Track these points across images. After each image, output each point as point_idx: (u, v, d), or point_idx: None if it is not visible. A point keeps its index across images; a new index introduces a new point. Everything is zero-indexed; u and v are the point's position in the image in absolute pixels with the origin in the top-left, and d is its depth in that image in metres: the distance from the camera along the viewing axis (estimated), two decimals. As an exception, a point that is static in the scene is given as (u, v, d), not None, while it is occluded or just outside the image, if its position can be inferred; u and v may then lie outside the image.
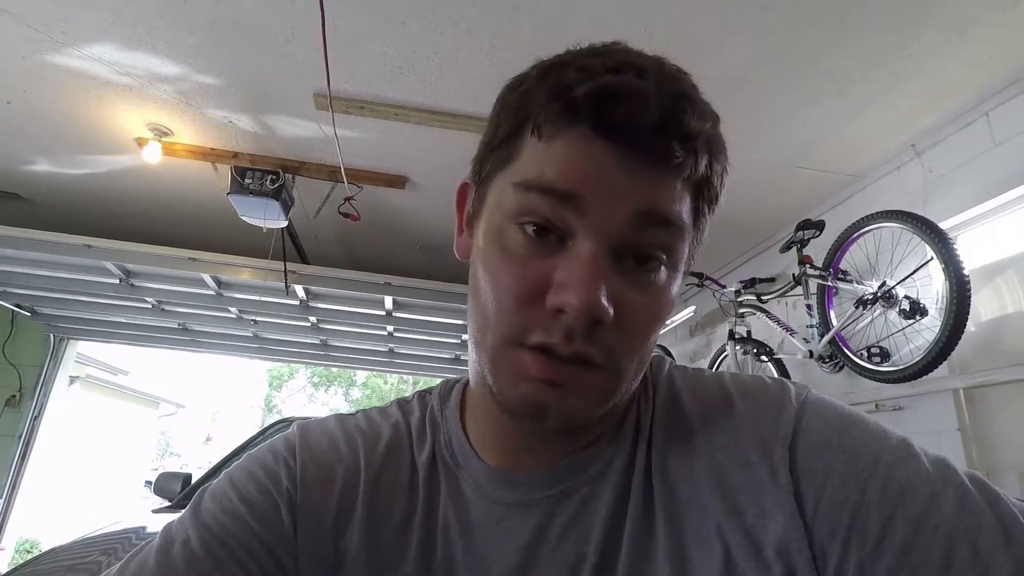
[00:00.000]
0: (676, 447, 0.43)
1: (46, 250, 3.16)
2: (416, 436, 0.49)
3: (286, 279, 3.21)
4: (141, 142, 2.69)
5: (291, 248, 3.41)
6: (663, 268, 0.39)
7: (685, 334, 3.94)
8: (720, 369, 2.95)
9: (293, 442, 0.47)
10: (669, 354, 3.50)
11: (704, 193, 0.40)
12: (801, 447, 0.39)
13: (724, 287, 2.91)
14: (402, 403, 0.52)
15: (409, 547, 0.43)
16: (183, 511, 0.44)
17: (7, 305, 4.17)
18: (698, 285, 2.97)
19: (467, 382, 0.51)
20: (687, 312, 3.81)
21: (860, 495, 0.35)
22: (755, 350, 2.68)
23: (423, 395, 0.53)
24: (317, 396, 16.34)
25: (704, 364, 3.18)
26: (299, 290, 3.46)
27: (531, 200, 0.38)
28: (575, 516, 0.42)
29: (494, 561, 0.42)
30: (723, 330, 3.07)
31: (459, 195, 0.47)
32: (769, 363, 2.59)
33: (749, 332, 2.82)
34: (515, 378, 0.38)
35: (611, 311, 0.36)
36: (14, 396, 4.64)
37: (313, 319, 3.98)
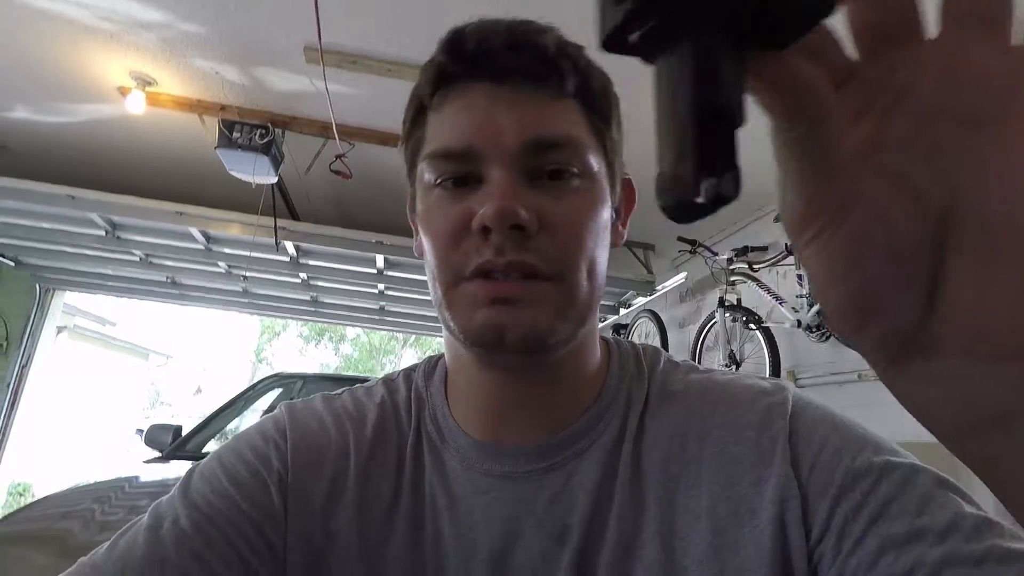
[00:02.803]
0: (669, 423, 0.44)
1: (27, 199, 3.07)
2: (403, 414, 0.49)
3: (276, 235, 3.16)
4: (124, 91, 2.59)
5: (281, 204, 3.35)
6: (576, 179, 0.42)
7: (675, 300, 3.97)
8: (709, 335, 3.00)
9: (283, 424, 0.48)
10: (658, 319, 3.53)
11: (593, 105, 0.44)
12: (798, 422, 0.42)
13: (716, 254, 2.91)
14: (387, 381, 0.53)
15: (397, 525, 0.44)
16: (172, 491, 0.44)
17: (-10, 254, 4.10)
18: (691, 251, 2.98)
19: None
20: (678, 278, 3.82)
21: (851, 462, 0.38)
22: (744, 318, 2.71)
23: (408, 373, 0.53)
24: (307, 350, 16.43)
25: (693, 330, 3.22)
26: (289, 247, 3.42)
27: (440, 167, 0.42)
28: (561, 489, 0.43)
29: (480, 532, 0.42)
30: (713, 297, 3.09)
31: (408, 203, 0.50)
32: (757, 331, 2.63)
33: (739, 300, 2.84)
34: (468, 310, 0.41)
35: (531, 218, 0.39)
36: (1, 345, 4.63)
37: (304, 276, 3.95)
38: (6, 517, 1.80)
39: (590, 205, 0.43)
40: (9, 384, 4.60)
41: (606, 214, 0.44)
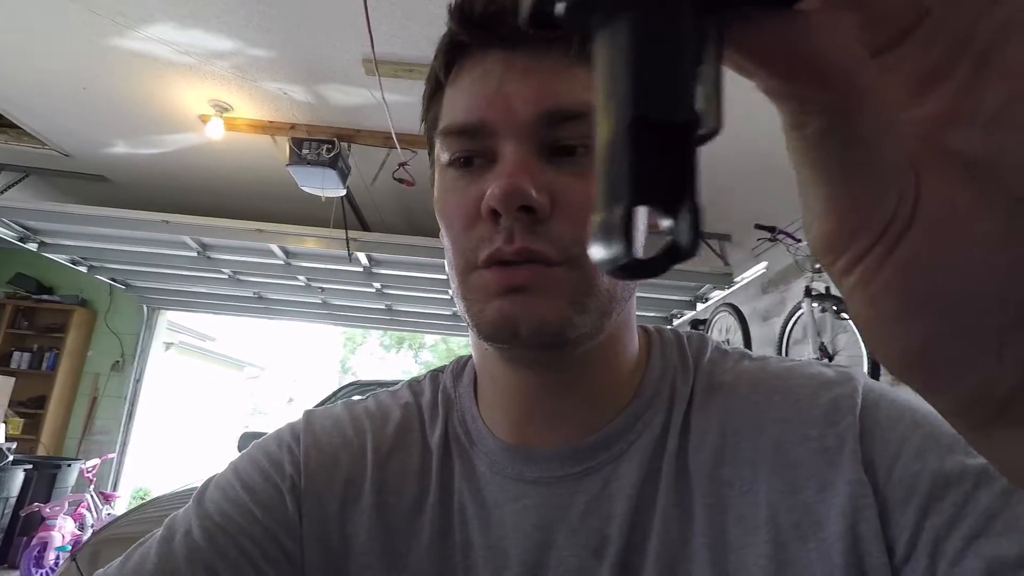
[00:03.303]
0: (718, 422, 0.39)
1: (130, 227, 3.36)
2: (428, 416, 0.46)
3: (348, 247, 3.27)
4: (204, 119, 2.77)
5: (352, 216, 3.46)
6: None
7: (757, 291, 3.75)
8: (796, 328, 2.80)
9: (298, 429, 0.46)
10: (739, 312, 3.34)
11: None
12: (871, 418, 0.36)
13: (799, 240, 2.71)
14: (413, 383, 0.50)
15: (421, 532, 0.41)
16: (189, 502, 0.43)
17: (104, 279, 4.52)
18: (770, 239, 2.79)
19: None
20: (758, 268, 3.61)
21: (939, 465, 0.32)
22: (835, 306, 2.50)
23: (435, 374, 0.51)
24: (388, 358, 17.03)
25: (778, 323, 3.01)
26: (362, 257, 3.53)
27: (453, 143, 0.39)
28: (597, 496, 0.39)
29: (512, 542, 0.39)
30: (799, 286, 2.88)
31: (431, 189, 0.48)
32: (850, 320, 2.41)
33: (828, 288, 2.63)
34: (482, 301, 0.38)
35: (543, 199, 0.35)
36: (117, 361, 5.10)
37: (377, 285, 4.07)
38: (116, 520, 1.95)
39: None
40: (126, 397, 5.06)
41: None
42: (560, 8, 0.12)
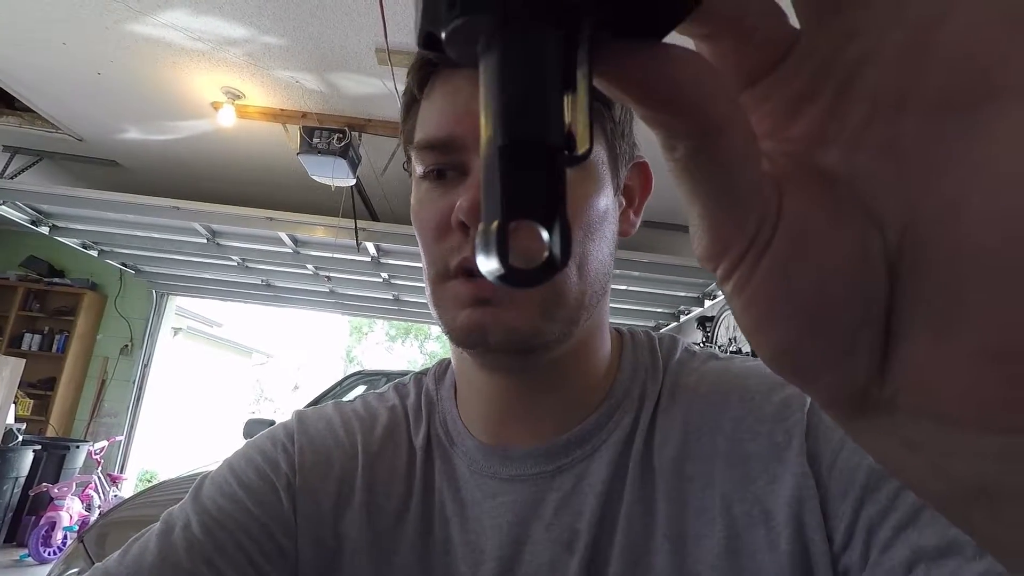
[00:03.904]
0: (681, 421, 0.42)
1: (141, 212, 3.39)
2: (412, 419, 0.48)
3: (357, 236, 3.28)
4: (216, 106, 2.78)
5: (361, 206, 3.47)
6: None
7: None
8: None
9: (291, 429, 0.48)
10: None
11: None
12: (817, 415, 0.38)
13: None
14: (399, 386, 0.52)
15: (406, 532, 0.43)
16: (185, 498, 0.44)
17: (114, 264, 4.56)
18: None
19: None
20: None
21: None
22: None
23: (419, 376, 0.53)
24: (394, 348, 17.09)
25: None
26: (370, 247, 3.54)
27: (426, 156, 0.41)
28: (569, 492, 0.41)
29: (489, 538, 0.41)
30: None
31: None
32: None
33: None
34: (452, 309, 0.39)
35: None
36: (126, 345, 5.15)
37: (385, 275, 4.08)
38: (124, 502, 1.98)
39: (581, 195, 0.40)
40: (134, 381, 5.11)
41: (604, 202, 0.41)
42: (443, 34, 0.13)
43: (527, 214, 0.12)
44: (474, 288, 0.38)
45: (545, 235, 0.12)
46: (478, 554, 0.41)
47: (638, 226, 0.47)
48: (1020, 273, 0.11)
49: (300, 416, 0.49)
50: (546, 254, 0.13)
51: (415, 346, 17.15)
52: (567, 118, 0.13)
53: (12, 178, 3.56)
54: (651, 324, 4.58)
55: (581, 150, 0.13)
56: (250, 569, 0.40)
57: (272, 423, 3.14)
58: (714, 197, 0.14)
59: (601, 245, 0.41)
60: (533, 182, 0.12)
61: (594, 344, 0.44)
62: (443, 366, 0.52)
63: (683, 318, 4.32)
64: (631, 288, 3.91)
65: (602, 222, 0.41)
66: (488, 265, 0.13)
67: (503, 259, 0.12)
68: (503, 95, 0.13)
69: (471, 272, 0.38)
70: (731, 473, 0.38)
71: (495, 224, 0.12)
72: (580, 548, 0.39)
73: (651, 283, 3.79)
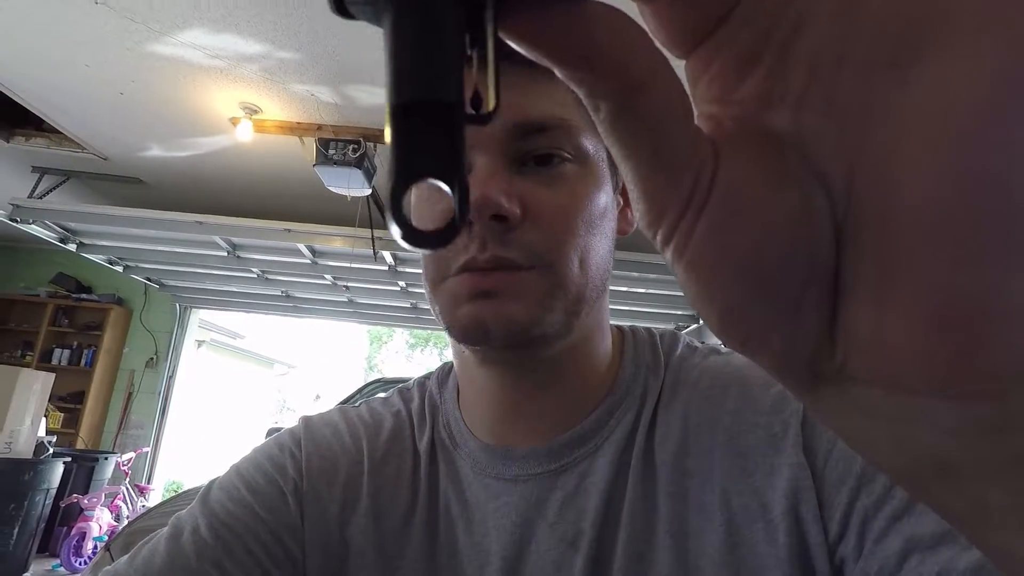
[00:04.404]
0: (682, 416, 0.42)
1: (164, 228, 3.46)
2: (417, 423, 0.48)
3: (373, 246, 3.31)
4: (234, 121, 2.83)
5: (377, 216, 3.50)
6: (567, 163, 0.40)
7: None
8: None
9: (298, 434, 0.48)
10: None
11: None
12: None
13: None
14: (403, 391, 0.52)
15: (412, 536, 0.43)
16: (192, 503, 0.45)
17: (139, 279, 4.66)
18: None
19: None
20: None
21: None
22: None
23: (423, 381, 0.53)
24: (413, 356, 17.17)
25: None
26: (387, 256, 3.57)
27: None
28: (573, 492, 0.41)
29: (494, 539, 0.41)
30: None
31: None
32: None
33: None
34: (453, 305, 0.39)
35: (514, 207, 0.37)
36: (151, 358, 5.25)
37: (402, 283, 4.11)
38: (148, 511, 2.01)
39: (583, 191, 0.40)
40: (159, 393, 5.21)
41: (603, 199, 0.42)
42: None
43: (424, 174, 0.12)
44: (475, 281, 0.38)
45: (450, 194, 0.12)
46: (483, 556, 0.41)
47: (636, 226, 0.47)
48: (955, 226, 0.10)
49: (307, 422, 0.49)
50: (451, 216, 0.12)
51: (435, 353, 17.22)
52: (471, 78, 0.13)
53: (41, 198, 3.67)
54: (670, 326, 4.53)
55: (489, 108, 0.13)
56: (258, 573, 0.41)
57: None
58: (644, 158, 0.13)
59: (602, 240, 0.41)
60: (429, 141, 0.12)
61: (595, 341, 0.44)
62: (445, 370, 0.52)
63: (703, 320, 4.27)
64: (649, 291, 3.89)
65: (602, 218, 0.41)
66: (392, 225, 0.13)
67: (398, 219, 0.12)
68: (396, 54, 0.12)
69: (471, 268, 0.38)
70: (730, 467, 0.38)
71: (392, 185, 0.12)
72: (584, 546, 0.39)
73: (669, 285, 3.76)
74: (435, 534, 0.43)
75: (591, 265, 0.40)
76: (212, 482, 0.46)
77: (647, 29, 0.14)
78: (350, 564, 0.43)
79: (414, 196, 0.42)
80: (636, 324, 0.50)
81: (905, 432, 0.12)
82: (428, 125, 0.12)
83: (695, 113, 0.14)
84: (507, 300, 0.38)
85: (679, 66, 0.14)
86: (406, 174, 0.12)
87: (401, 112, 0.12)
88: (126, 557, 0.42)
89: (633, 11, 0.14)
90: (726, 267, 0.13)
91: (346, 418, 0.49)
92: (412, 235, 0.12)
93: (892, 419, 0.12)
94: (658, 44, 0.14)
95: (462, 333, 0.39)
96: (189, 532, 0.41)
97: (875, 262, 0.12)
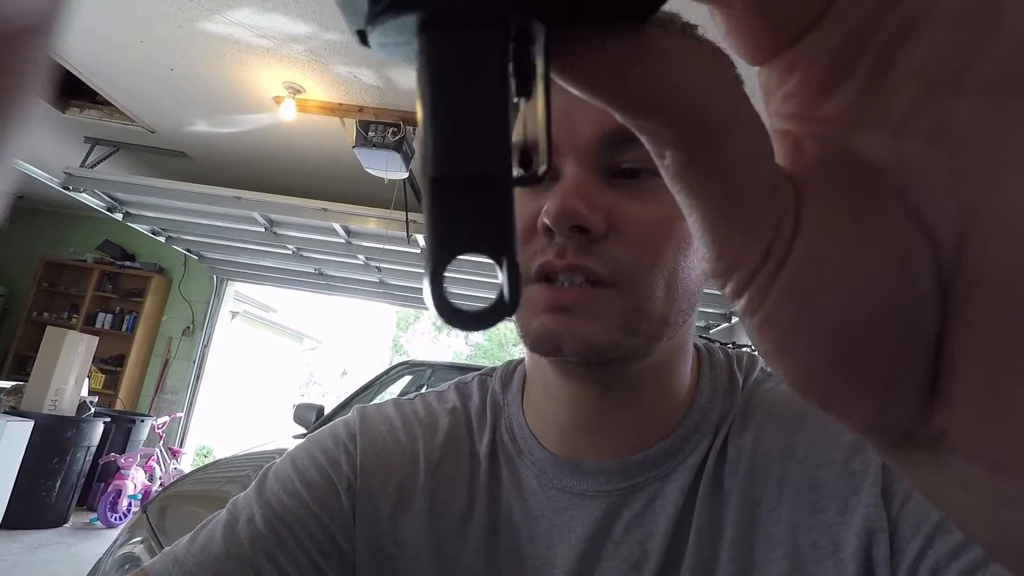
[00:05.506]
0: (752, 443, 0.41)
1: (205, 201, 3.55)
2: (476, 423, 0.47)
3: (408, 228, 3.34)
4: (278, 100, 2.88)
5: (412, 199, 3.53)
6: (659, 178, 0.35)
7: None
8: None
9: (354, 428, 0.47)
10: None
11: None
12: None
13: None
14: (460, 386, 0.51)
15: (470, 539, 0.42)
16: (250, 488, 0.45)
17: (180, 250, 4.80)
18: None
19: None
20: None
21: None
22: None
23: (484, 378, 0.51)
24: (440, 339, 17.32)
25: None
26: (420, 239, 3.60)
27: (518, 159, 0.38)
28: (641, 513, 0.40)
29: (559, 553, 0.40)
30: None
31: None
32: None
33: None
34: (529, 314, 0.38)
35: (598, 220, 0.35)
36: (188, 327, 5.42)
37: (433, 268, 4.14)
38: (183, 478, 2.09)
39: (674, 208, 0.37)
40: (194, 361, 5.38)
41: None
42: (369, 35, 0.11)
43: (466, 251, 0.11)
44: (553, 295, 0.37)
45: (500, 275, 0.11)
46: (548, 567, 0.40)
47: None
48: None
49: (362, 416, 0.49)
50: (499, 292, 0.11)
51: (461, 337, 17.32)
52: (520, 131, 0.11)
53: (92, 167, 3.80)
54: (701, 324, 4.48)
55: (540, 168, 0.11)
56: (309, 567, 0.41)
57: (320, 408, 3.25)
58: (715, 209, 0.12)
59: (692, 261, 0.39)
60: (474, 215, 0.11)
61: (676, 363, 0.43)
62: (510, 368, 0.50)
63: (734, 319, 4.20)
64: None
65: (693, 238, 0.40)
66: (431, 303, 0.11)
67: (437, 299, 0.11)
68: (433, 116, 0.10)
69: (551, 278, 0.37)
70: (799, 500, 0.37)
71: (431, 263, 0.11)
72: (649, 569, 0.38)
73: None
74: (496, 539, 0.42)
75: (677, 288, 0.38)
76: (268, 469, 0.46)
77: (719, 33, 0.12)
78: (403, 563, 0.43)
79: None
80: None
81: (1008, 511, 0.11)
82: (473, 198, 0.11)
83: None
84: (584, 318, 0.36)
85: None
86: (447, 250, 0.11)
87: (441, 185, 0.10)
88: (185, 538, 0.43)
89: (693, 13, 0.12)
90: (805, 333, 0.11)
91: (402, 414, 0.49)
92: (453, 316, 0.11)
93: (995, 499, 0.11)
94: (728, 50, 0.12)
95: (535, 344, 0.38)
96: (245, 521, 0.42)
97: (995, 332, 0.10)
